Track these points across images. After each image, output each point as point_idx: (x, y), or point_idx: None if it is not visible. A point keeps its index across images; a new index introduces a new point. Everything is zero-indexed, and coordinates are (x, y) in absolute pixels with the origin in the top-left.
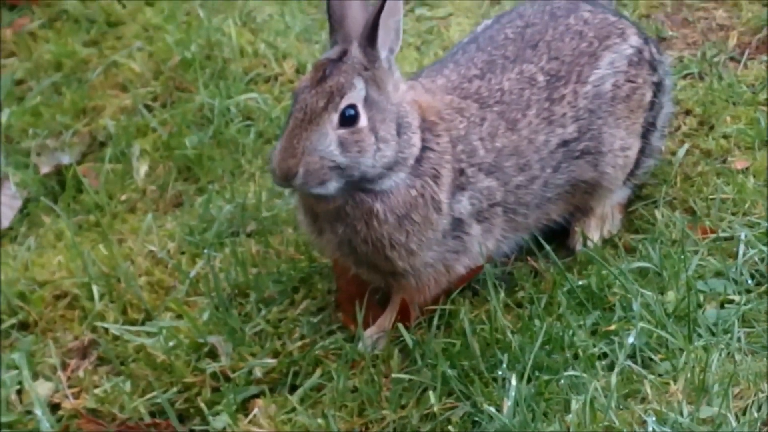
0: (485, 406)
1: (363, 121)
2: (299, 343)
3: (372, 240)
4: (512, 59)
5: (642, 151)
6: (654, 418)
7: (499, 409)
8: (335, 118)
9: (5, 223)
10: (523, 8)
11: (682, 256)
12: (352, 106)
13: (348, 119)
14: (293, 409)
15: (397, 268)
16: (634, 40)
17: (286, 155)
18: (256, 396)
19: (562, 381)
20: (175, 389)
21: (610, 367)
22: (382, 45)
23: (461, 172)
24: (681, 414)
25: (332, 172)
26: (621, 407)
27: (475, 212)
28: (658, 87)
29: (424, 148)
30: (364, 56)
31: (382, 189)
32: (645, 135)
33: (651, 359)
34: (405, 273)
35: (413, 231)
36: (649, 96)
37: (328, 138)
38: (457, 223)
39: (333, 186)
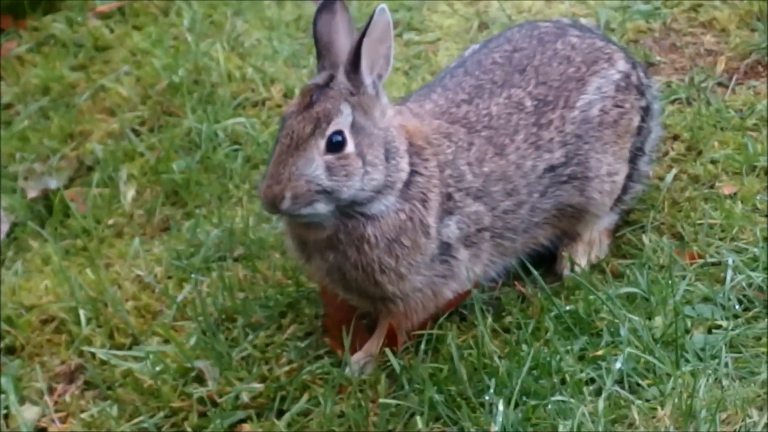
0: (472, 431)
1: (350, 147)
2: (286, 368)
3: (362, 265)
4: (500, 84)
5: (630, 177)
6: None
7: None
8: (322, 143)
9: None
10: (511, 33)
11: (670, 282)
12: (339, 132)
13: (335, 145)
14: None
15: (387, 292)
16: (622, 65)
17: (273, 182)
18: (243, 421)
19: (550, 406)
20: (162, 414)
21: (598, 393)
22: (367, 71)
23: (449, 196)
24: None
25: (320, 195)
26: None
27: (462, 237)
28: (645, 111)
29: (413, 172)
30: (349, 82)
31: (372, 213)
32: (633, 160)
33: (638, 384)
34: (394, 298)
35: (402, 255)
36: (636, 121)
37: (315, 163)
38: (445, 248)
39: (322, 207)
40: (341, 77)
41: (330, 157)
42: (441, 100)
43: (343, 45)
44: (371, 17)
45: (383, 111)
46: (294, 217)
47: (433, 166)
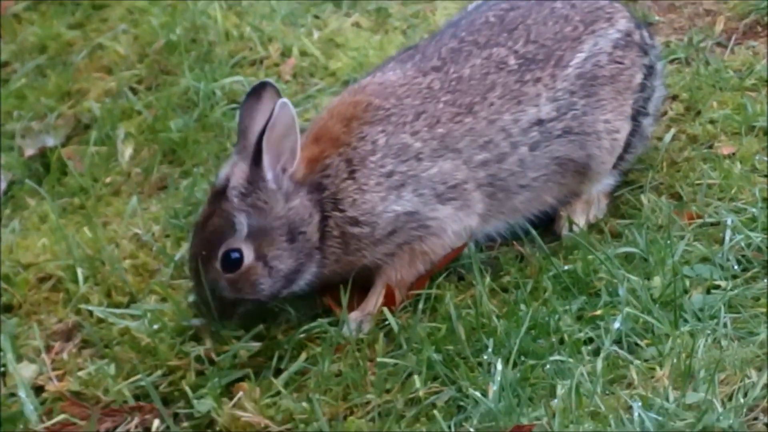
0: (470, 391)
1: (248, 258)
2: (284, 327)
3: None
4: (482, 44)
5: (632, 134)
6: (640, 404)
7: (484, 394)
8: (218, 265)
9: None
10: None
11: (668, 242)
12: (234, 250)
13: (232, 263)
14: (278, 393)
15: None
16: (623, 24)
17: (199, 306)
18: (241, 380)
19: (548, 366)
20: (159, 372)
21: (596, 353)
22: (269, 166)
23: (390, 173)
24: (667, 399)
25: (243, 302)
26: (607, 392)
27: (433, 197)
28: (649, 70)
29: (319, 192)
30: (248, 178)
31: (303, 286)
32: (635, 118)
33: (637, 345)
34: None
35: (350, 252)
36: (639, 78)
37: (220, 284)
38: (409, 216)
39: (250, 304)
40: (236, 179)
41: (230, 275)
42: (410, 71)
43: (254, 136)
44: (272, 113)
45: (287, 194)
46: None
47: (335, 167)
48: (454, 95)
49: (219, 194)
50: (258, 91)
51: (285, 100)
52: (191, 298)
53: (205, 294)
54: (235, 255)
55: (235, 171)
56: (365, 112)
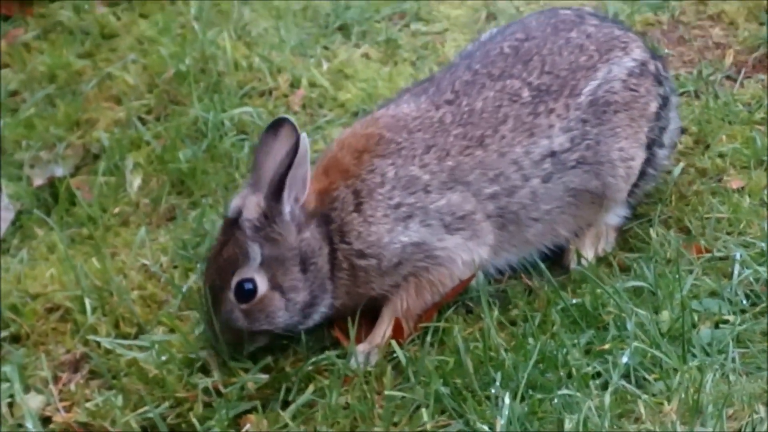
0: (478, 425)
1: (262, 288)
2: (292, 359)
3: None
4: (496, 76)
5: (647, 164)
6: None
7: (492, 428)
8: (232, 296)
9: None
10: (529, 20)
11: (677, 276)
12: (248, 280)
13: (246, 293)
14: (285, 425)
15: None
16: (638, 53)
17: (214, 340)
18: (248, 412)
19: (556, 400)
20: (167, 404)
21: (604, 387)
22: (287, 199)
23: (398, 205)
24: None
25: (257, 335)
26: (614, 427)
27: (440, 228)
28: (664, 101)
29: (326, 225)
30: (264, 211)
31: (317, 319)
32: (650, 147)
33: (645, 379)
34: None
35: (362, 282)
36: (653, 107)
37: (234, 315)
38: (416, 247)
39: (265, 338)
40: (250, 211)
41: (244, 305)
42: (424, 104)
43: (269, 170)
44: (295, 148)
45: (299, 225)
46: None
47: (341, 199)
48: (465, 128)
49: (231, 224)
50: (276, 127)
51: (305, 134)
52: (202, 331)
53: (218, 327)
54: (249, 285)
55: (247, 203)
56: (377, 145)
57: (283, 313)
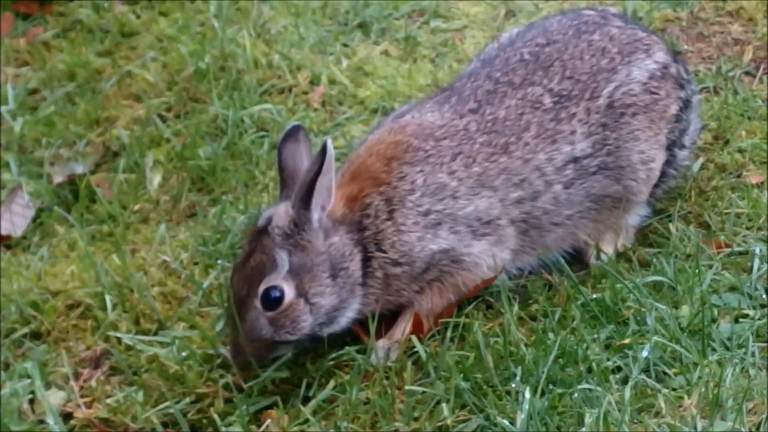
0: (498, 419)
1: (289, 296)
2: (312, 355)
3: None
4: (517, 85)
5: (667, 165)
6: None
7: (512, 423)
8: (258, 303)
9: (18, 233)
10: (550, 22)
11: (697, 271)
12: (274, 287)
13: (273, 301)
14: (306, 421)
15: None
16: (660, 56)
17: (235, 353)
18: (269, 407)
19: (576, 395)
20: (187, 400)
21: (624, 381)
22: (315, 206)
23: (427, 212)
24: (695, 429)
25: (278, 345)
26: (635, 421)
27: (468, 234)
28: (685, 104)
29: (360, 233)
30: (293, 218)
31: (344, 323)
32: (670, 149)
33: (665, 373)
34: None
35: (393, 290)
36: (674, 109)
37: (259, 323)
38: (445, 253)
39: (289, 348)
40: (279, 218)
41: (270, 313)
42: (448, 113)
43: (296, 177)
44: (323, 153)
45: (326, 231)
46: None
47: (375, 206)
48: (489, 136)
49: (260, 233)
50: (294, 133)
51: (330, 140)
52: (222, 328)
53: (242, 335)
54: (276, 293)
55: (278, 211)
56: (405, 153)
57: (308, 318)
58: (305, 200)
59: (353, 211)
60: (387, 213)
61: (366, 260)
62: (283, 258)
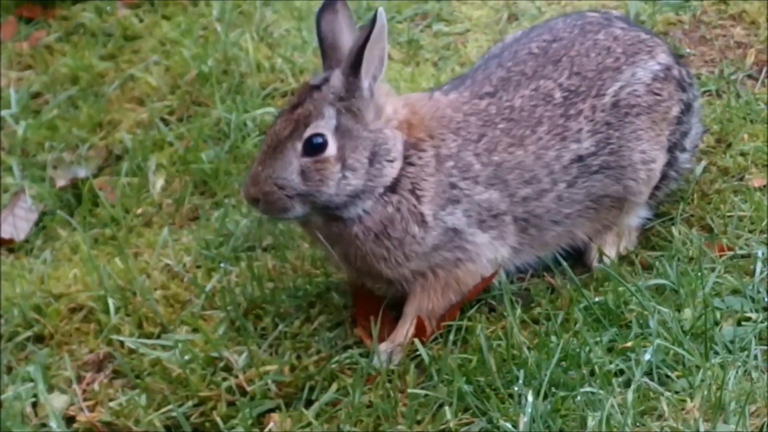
0: (501, 423)
1: (331, 150)
2: (315, 358)
3: (360, 256)
4: (530, 76)
5: (668, 167)
6: None
7: (515, 426)
8: (299, 146)
9: (21, 236)
10: (555, 22)
11: (699, 274)
12: (320, 135)
13: (315, 147)
14: (309, 424)
15: (389, 278)
16: (663, 58)
17: (251, 183)
18: (272, 410)
19: (579, 398)
20: (190, 403)
21: (627, 384)
22: (365, 74)
23: (452, 185)
24: (698, 431)
25: (293, 200)
26: (637, 424)
27: (476, 222)
28: (687, 107)
29: (406, 164)
30: (345, 84)
31: (349, 216)
32: (671, 151)
33: (667, 376)
34: (400, 282)
35: (394, 245)
36: (675, 111)
37: (291, 167)
38: (454, 233)
39: (297, 212)
40: (334, 80)
41: (307, 159)
42: (466, 92)
43: (346, 44)
44: (373, 21)
45: (378, 112)
46: (273, 218)
47: (429, 156)
48: (508, 124)
49: (313, 88)
50: (332, 5)
51: (381, 9)
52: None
53: (268, 170)
54: (319, 140)
55: (333, 75)
56: (442, 118)
57: (334, 185)
58: (354, 68)
59: (409, 142)
60: (434, 169)
61: (398, 179)
62: (331, 114)
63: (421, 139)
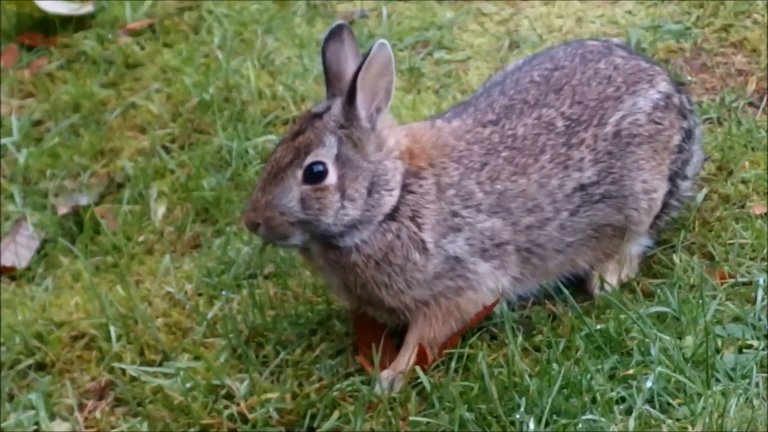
0: None
1: (331, 178)
2: (317, 386)
3: (360, 284)
4: (532, 104)
5: (669, 196)
6: None
7: None
8: (299, 174)
9: (23, 264)
10: (556, 50)
11: (701, 301)
12: (320, 163)
13: (315, 175)
14: None
15: (391, 306)
16: (664, 86)
17: (251, 208)
18: None
19: (580, 425)
20: (192, 431)
21: (628, 412)
22: (363, 104)
23: (454, 213)
24: None
25: (293, 228)
26: None
27: (478, 251)
28: (688, 134)
29: (406, 192)
30: (344, 113)
31: (346, 246)
32: (673, 179)
33: (669, 404)
34: (401, 310)
35: (395, 272)
36: (677, 140)
37: (291, 194)
38: (455, 261)
39: (297, 239)
40: (335, 109)
41: (307, 187)
42: (469, 120)
43: (350, 73)
44: (369, 52)
45: (380, 144)
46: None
47: (430, 185)
48: (511, 152)
49: (315, 117)
50: (338, 33)
51: (383, 41)
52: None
53: (264, 202)
54: (319, 168)
55: (334, 105)
56: (444, 147)
57: (332, 214)
58: (350, 97)
59: (410, 169)
60: (436, 197)
61: (396, 209)
62: (332, 142)
63: (421, 167)
